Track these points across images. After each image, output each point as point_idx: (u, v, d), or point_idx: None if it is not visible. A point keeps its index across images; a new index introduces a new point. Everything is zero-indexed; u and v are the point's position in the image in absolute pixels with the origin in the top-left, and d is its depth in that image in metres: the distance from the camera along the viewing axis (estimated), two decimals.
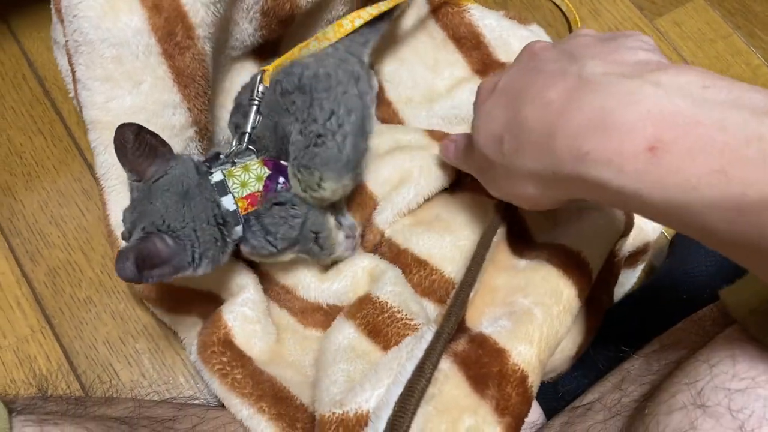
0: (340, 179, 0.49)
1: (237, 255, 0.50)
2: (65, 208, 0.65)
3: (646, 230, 0.60)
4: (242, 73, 0.58)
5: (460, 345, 0.45)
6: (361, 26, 0.55)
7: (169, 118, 0.47)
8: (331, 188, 0.48)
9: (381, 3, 0.56)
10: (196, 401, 0.55)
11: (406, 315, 0.48)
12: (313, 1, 0.53)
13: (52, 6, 0.49)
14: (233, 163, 0.47)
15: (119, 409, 0.46)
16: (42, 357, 0.59)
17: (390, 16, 0.60)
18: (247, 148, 0.49)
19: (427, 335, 0.43)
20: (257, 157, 0.48)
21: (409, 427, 0.39)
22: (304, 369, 0.53)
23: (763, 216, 0.27)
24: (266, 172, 0.47)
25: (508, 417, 0.42)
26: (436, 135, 0.59)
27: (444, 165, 0.56)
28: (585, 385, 0.51)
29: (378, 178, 0.56)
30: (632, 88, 0.32)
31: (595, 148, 0.32)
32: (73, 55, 0.46)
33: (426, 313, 0.51)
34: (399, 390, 0.41)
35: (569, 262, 0.48)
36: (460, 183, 0.58)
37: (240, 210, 0.46)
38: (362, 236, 0.57)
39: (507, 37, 0.65)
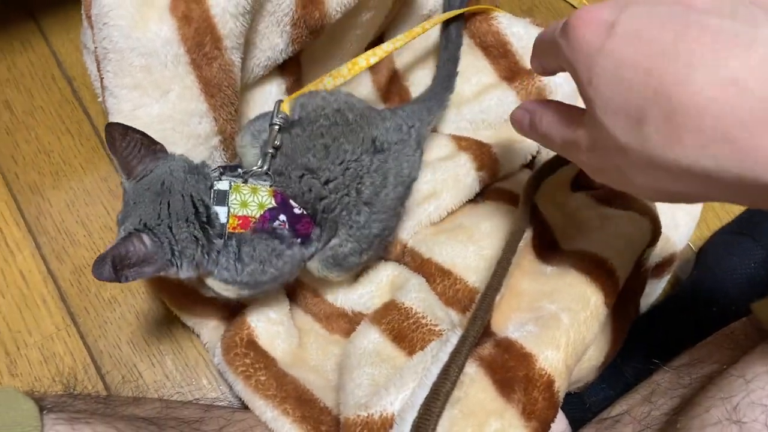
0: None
1: None
2: (91, 207, 0.65)
3: (672, 241, 0.59)
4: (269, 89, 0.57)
5: (486, 349, 0.44)
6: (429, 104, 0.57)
7: (194, 127, 0.47)
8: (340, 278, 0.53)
9: (395, 39, 0.55)
10: (221, 403, 0.55)
11: (431, 321, 0.48)
12: (341, 9, 0.52)
13: (82, 12, 0.49)
14: (245, 180, 0.46)
15: (146, 409, 0.46)
16: (67, 355, 0.59)
17: (450, 90, 0.60)
18: (266, 173, 0.46)
19: (453, 339, 0.43)
20: (270, 186, 0.46)
21: (434, 430, 0.39)
22: (326, 373, 0.53)
23: None
24: (271, 203, 0.45)
25: (535, 422, 0.41)
26: (463, 144, 0.59)
27: (468, 178, 0.56)
28: (612, 397, 0.50)
29: None
30: None
31: None
32: (102, 62, 0.46)
33: (450, 319, 0.50)
34: (424, 393, 0.40)
35: (596, 269, 0.48)
36: (482, 191, 0.58)
37: (228, 226, 0.44)
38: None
39: None
